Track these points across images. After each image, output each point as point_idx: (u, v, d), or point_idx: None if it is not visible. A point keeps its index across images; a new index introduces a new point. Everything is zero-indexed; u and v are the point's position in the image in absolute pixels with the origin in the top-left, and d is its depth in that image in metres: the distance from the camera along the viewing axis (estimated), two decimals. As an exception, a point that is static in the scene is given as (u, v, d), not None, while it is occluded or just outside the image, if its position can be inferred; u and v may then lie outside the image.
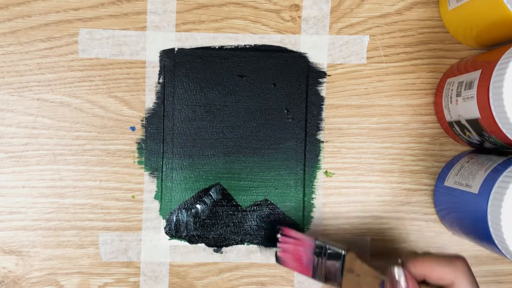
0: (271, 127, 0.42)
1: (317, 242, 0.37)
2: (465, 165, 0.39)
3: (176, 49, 0.42)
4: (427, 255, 0.34)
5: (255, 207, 0.43)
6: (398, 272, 0.30)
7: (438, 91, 0.42)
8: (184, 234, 0.42)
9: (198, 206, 0.42)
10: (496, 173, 0.35)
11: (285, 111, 0.42)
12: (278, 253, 0.40)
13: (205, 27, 0.42)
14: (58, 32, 0.41)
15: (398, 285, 0.30)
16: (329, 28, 0.42)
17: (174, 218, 0.42)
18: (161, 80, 0.42)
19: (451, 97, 0.39)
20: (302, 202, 0.43)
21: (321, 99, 0.42)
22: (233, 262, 0.43)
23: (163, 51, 0.42)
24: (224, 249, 0.43)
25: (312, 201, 0.43)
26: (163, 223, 0.42)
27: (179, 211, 0.42)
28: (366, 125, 0.43)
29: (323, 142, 0.43)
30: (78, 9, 0.41)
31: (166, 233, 0.42)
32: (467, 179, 0.37)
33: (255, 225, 0.42)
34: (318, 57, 0.42)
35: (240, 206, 0.43)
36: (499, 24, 0.36)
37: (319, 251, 0.36)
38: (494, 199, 0.34)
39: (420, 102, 0.43)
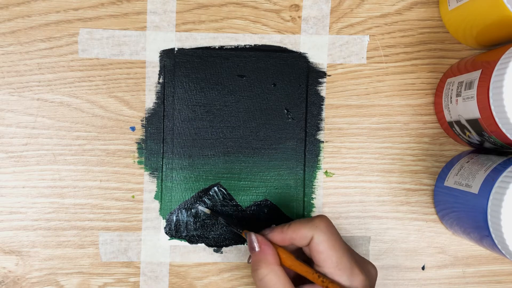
0: (271, 127, 0.42)
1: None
2: (465, 165, 0.39)
3: (176, 49, 0.42)
4: (293, 222, 0.37)
5: (255, 207, 0.43)
6: (250, 237, 0.37)
7: (438, 91, 0.42)
8: (184, 234, 0.42)
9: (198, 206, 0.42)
10: (496, 173, 0.35)
11: (285, 111, 0.42)
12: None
13: (205, 27, 0.42)
14: (58, 32, 0.41)
15: (252, 246, 0.36)
16: (329, 28, 0.42)
17: (174, 218, 0.42)
18: (161, 80, 0.42)
19: (451, 97, 0.39)
20: (302, 202, 0.43)
21: (321, 99, 0.42)
22: (233, 262, 0.43)
23: (163, 51, 0.42)
24: (224, 249, 0.43)
25: (312, 201, 0.43)
26: (163, 223, 0.42)
27: (179, 211, 0.42)
28: (366, 125, 0.43)
29: (323, 142, 0.43)
30: (78, 9, 0.41)
31: (166, 233, 0.42)
32: (467, 179, 0.37)
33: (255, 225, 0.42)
34: (318, 57, 0.42)
35: (240, 206, 0.43)
36: (499, 24, 0.36)
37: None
38: (494, 199, 0.34)
39: (420, 102, 0.43)
